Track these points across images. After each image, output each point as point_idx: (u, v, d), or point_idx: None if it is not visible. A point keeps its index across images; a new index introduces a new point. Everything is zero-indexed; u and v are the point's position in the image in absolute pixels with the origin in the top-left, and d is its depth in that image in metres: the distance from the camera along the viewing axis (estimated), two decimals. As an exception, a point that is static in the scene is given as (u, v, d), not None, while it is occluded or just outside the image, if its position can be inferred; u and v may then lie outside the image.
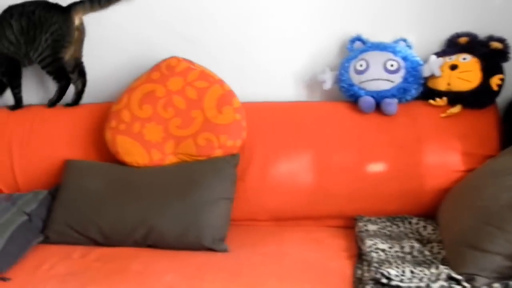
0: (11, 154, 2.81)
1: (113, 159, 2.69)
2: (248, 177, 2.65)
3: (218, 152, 2.61)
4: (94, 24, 2.96)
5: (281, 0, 2.88)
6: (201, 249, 2.39)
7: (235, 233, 2.51)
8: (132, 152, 2.64)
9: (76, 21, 2.88)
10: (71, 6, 2.87)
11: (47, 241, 2.50)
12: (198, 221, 2.42)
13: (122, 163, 2.67)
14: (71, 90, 2.97)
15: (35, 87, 3.12)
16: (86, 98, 2.98)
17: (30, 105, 2.98)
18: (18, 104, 2.98)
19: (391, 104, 2.64)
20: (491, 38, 2.66)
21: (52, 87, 3.03)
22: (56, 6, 2.86)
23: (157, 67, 2.73)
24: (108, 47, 3.00)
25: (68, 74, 2.93)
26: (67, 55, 2.89)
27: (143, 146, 2.63)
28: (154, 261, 2.30)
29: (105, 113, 2.76)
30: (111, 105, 2.74)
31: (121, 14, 2.96)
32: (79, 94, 2.96)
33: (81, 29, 2.92)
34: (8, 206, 2.53)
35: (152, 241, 2.43)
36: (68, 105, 2.94)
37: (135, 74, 2.81)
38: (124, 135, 2.64)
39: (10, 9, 2.85)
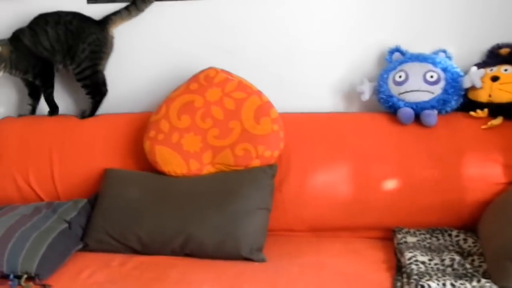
0: (51, 163, 2.84)
1: (151, 169, 2.71)
2: (285, 188, 2.64)
3: (255, 163, 2.61)
4: (134, 35, 3.00)
5: (319, 11, 2.89)
6: (239, 259, 2.39)
7: (273, 243, 2.51)
8: (170, 162, 2.66)
9: (110, 33, 2.94)
10: (107, 18, 2.93)
11: (86, 248, 2.52)
12: (236, 231, 2.42)
13: (160, 173, 2.69)
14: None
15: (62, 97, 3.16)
16: (125, 107, 3.02)
17: (70, 115, 3.01)
18: (51, 104, 3.01)
19: (431, 116, 2.61)
20: (533, 49, 2.64)
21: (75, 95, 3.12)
22: (92, 18, 2.92)
23: (195, 78, 2.75)
24: (147, 58, 3.03)
25: (102, 89, 2.97)
26: (103, 66, 2.95)
27: (181, 156, 2.65)
28: (192, 270, 2.31)
29: (143, 122, 2.78)
30: (150, 115, 2.76)
31: (160, 26, 2.99)
32: (93, 109, 2.99)
33: (112, 43, 2.97)
34: (48, 214, 2.56)
35: (190, 250, 2.44)
36: (83, 116, 2.97)
37: (173, 84, 2.83)
38: (162, 145, 2.66)
39: (45, 16, 2.90)
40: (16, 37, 2.86)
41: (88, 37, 2.86)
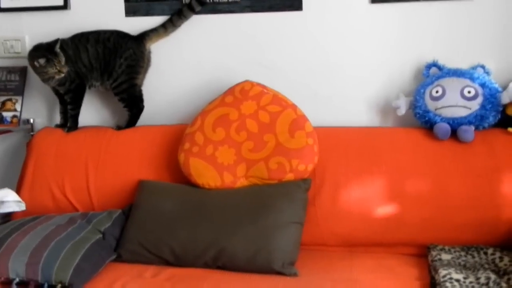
0: (87, 175, 2.87)
1: (186, 181, 2.72)
2: (319, 202, 2.63)
3: (289, 176, 2.61)
4: (170, 48, 3.04)
5: (355, 25, 2.89)
6: (271, 273, 2.37)
7: (305, 257, 2.49)
8: (205, 174, 2.67)
9: (147, 48, 2.99)
10: (144, 34, 2.98)
11: (119, 259, 2.53)
12: (269, 245, 2.41)
13: (194, 185, 2.70)
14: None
15: (98, 110, 3.20)
16: (160, 119, 3.04)
17: (106, 127, 3.05)
18: (74, 122, 3.02)
19: (468, 131, 2.58)
20: None
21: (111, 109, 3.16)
22: (129, 35, 2.97)
23: (230, 90, 2.76)
24: (183, 71, 3.06)
25: (139, 104, 3.01)
26: (140, 80, 2.99)
27: (216, 168, 2.65)
28: (224, 283, 2.30)
29: (178, 135, 2.80)
30: (185, 128, 2.77)
31: (197, 39, 3.02)
32: (130, 122, 3.01)
33: (149, 58, 3.02)
34: (83, 225, 2.58)
35: (222, 263, 2.44)
36: (119, 128, 3.00)
37: (209, 97, 2.85)
38: (197, 157, 2.67)
39: (87, 35, 2.96)
40: (60, 46, 2.89)
41: (125, 52, 2.91)
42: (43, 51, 2.85)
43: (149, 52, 3.01)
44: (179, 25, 2.98)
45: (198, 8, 2.94)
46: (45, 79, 2.91)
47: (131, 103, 2.98)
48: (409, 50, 2.85)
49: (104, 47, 2.92)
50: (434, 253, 2.43)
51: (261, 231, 2.45)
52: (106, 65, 2.93)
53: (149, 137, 2.91)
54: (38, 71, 2.88)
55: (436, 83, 2.70)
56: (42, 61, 2.81)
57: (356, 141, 2.72)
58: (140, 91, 3.01)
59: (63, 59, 2.86)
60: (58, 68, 2.84)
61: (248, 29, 2.98)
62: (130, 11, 3.05)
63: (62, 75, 2.87)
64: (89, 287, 2.32)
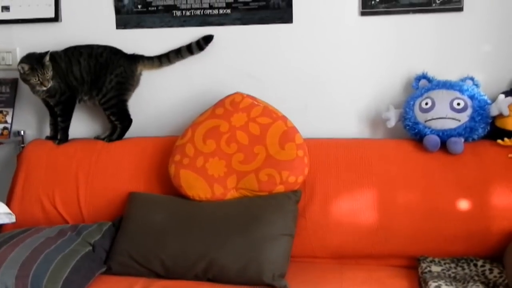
0: (77, 187, 2.87)
1: (176, 193, 2.72)
2: (309, 214, 2.63)
3: (279, 188, 2.61)
4: (161, 60, 3.03)
5: (345, 37, 2.90)
6: (261, 285, 2.37)
7: (295, 269, 2.49)
8: (195, 186, 2.66)
9: (138, 70, 2.99)
10: (138, 57, 2.99)
11: (109, 272, 2.52)
12: (259, 257, 2.41)
13: (185, 197, 2.69)
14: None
15: (85, 121, 3.19)
16: (151, 131, 3.04)
17: (95, 139, 3.05)
18: (64, 134, 3.01)
19: (457, 143, 2.59)
20: (561, 77, 2.61)
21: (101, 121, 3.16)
22: (123, 52, 2.98)
23: (221, 102, 2.76)
24: (174, 82, 3.06)
25: (129, 115, 3.01)
26: (129, 97, 3.00)
27: (206, 180, 2.65)
28: (215, 296, 2.30)
29: (169, 146, 2.80)
30: (176, 139, 2.77)
31: (188, 51, 3.02)
32: (120, 134, 3.01)
33: (139, 79, 3.03)
34: (73, 237, 2.57)
35: (212, 275, 2.43)
36: (97, 137, 3.05)
37: (199, 109, 2.85)
38: (187, 169, 2.67)
39: (79, 48, 2.97)
40: (53, 58, 2.90)
41: (116, 69, 2.92)
42: (32, 59, 2.85)
43: (140, 74, 3.02)
44: (174, 63, 3.00)
45: (197, 52, 2.97)
46: (35, 91, 2.91)
47: (122, 117, 2.99)
48: (398, 62, 2.86)
49: (96, 62, 2.93)
50: (424, 265, 2.43)
51: (252, 243, 2.45)
52: (96, 79, 2.93)
53: (139, 149, 2.91)
54: (22, 77, 2.88)
55: (425, 95, 2.71)
56: (26, 67, 2.81)
57: (346, 153, 2.72)
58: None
59: (50, 73, 2.85)
60: (40, 79, 2.83)
61: (239, 41, 2.98)
62: (121, 24, 3.05)
63: (44, 88, 2.86)
64: (78, 300, 2.32)
